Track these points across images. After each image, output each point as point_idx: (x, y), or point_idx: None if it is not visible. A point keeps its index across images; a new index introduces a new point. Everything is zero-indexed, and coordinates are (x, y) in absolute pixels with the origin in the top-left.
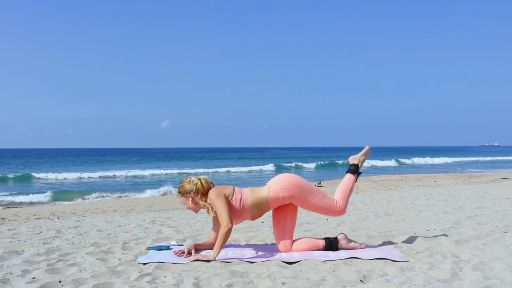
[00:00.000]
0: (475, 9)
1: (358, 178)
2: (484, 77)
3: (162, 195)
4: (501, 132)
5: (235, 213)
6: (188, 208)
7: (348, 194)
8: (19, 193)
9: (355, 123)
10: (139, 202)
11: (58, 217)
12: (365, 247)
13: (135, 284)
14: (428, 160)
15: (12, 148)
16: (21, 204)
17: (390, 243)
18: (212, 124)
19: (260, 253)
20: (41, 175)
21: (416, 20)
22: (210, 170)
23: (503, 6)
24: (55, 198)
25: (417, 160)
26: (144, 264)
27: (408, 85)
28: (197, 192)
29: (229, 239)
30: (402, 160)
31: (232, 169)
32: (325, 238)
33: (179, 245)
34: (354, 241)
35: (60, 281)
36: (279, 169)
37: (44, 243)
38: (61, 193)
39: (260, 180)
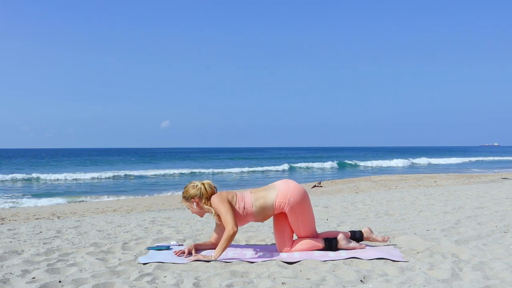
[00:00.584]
0: (475, 9)
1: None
2: (484, 77)
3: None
4: (501, 132)
5: (239, 217)
6: (193, 213)
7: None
8: (24, 194)
9: (355, 123)
10: (139, 202)
11: (58, 217)
12: (365, 247)
13: (135, 284)
14: (428, 160)
15: (12, 148)
16: (21, 204)
17: (390, 243)
18: (212, 124)
19: (260, 253)
20: (41, 175)
21: (416, 20)
22: (224, 170)
23: (503, 6)
24: (55, 198)
25: (417, 160)
26: (144, 264)
27: (408, 85)
28: (201, 196)
29: None
30: (402, 160)
31: (243, 170)
32: (324, 239)
33: (179, 245)
34: (354, 241)
35: (60, 281)
36: (292, 172)
37: (44, 243)
38: (61, 193)
39: (269, 180)
